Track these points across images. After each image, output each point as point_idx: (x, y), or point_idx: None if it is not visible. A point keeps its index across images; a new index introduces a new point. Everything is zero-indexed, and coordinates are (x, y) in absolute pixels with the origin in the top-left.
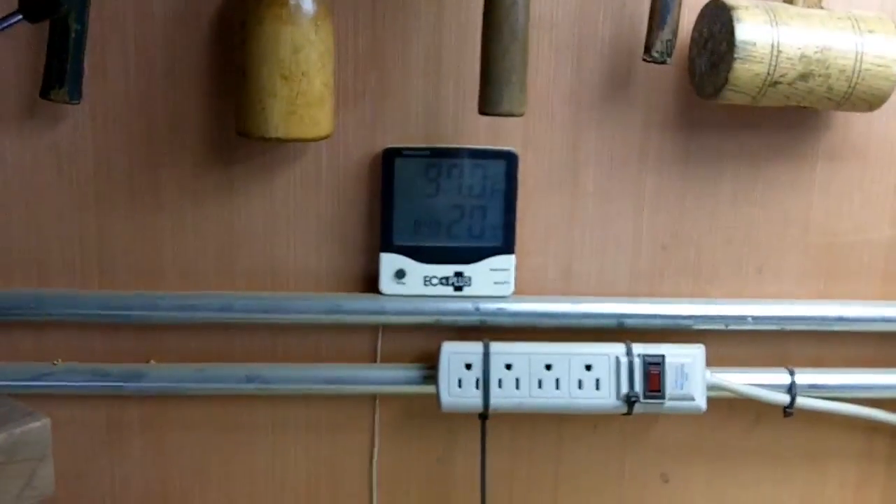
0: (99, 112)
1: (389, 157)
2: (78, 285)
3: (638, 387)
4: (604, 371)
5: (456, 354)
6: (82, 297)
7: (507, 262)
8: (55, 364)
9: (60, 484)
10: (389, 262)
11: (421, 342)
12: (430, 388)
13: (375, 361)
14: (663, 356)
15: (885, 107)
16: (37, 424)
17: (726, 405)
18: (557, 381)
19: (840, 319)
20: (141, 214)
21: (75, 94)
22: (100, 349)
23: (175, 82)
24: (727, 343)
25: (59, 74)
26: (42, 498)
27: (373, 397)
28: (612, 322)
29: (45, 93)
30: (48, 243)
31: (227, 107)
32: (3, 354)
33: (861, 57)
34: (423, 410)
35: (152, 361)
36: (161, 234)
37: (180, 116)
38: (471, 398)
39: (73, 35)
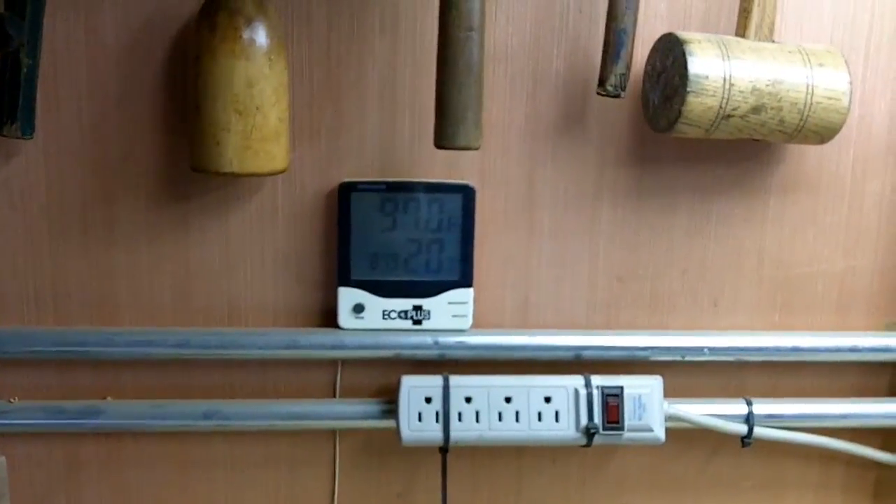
0: (52, 147)
1: (345, 192)
2: (33, 322)
3: (597, 418)
4: (563, 403)
5: (415, 388)
6: (37, 334)
7: (465, 295)
8: (11, 402)
9: None
10: (347, 296)
11: (380, 376)
12: (389, 423)
13: (335, 396)
14: (622, 388)
15: (836, 139)
16: None
17: (684, 436)
18: (517, 413)
19: (795, 350)
20: (95, 250)
21: (28, 130)
22: (56, 386)
23: (128, 117)
24: (684, 374)
25: (11, 110)
26: None
27: (332, 432)
28: (570, 354)
29: None
30: (1, 280)
31: (182, 141)
32: None
33: (812, 90)
34: (384, 445)
35: (109, 398)
36: (116, 270)
37: (134, 151)
38: (431, 432)
39: (24, 70)
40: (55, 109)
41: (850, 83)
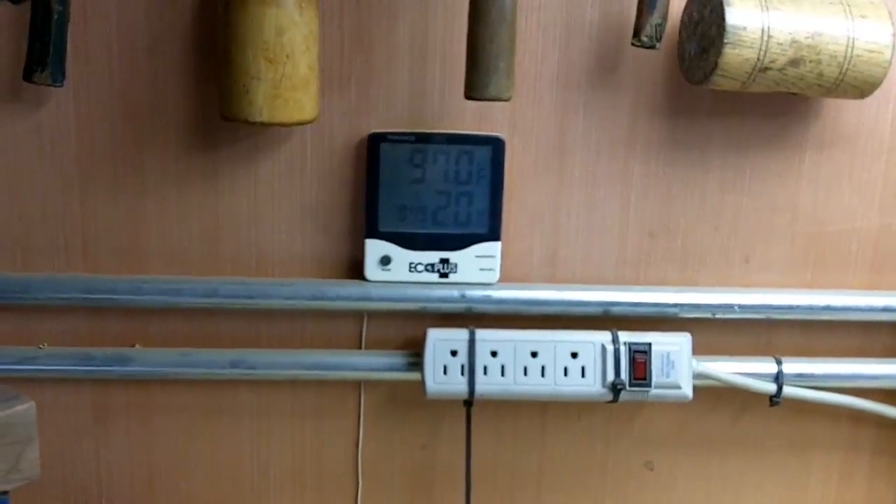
0: (82, 94)
1: (375, 143)
2: (62, 269)
3: (624, 374)
4: (589, 359)
5: (441, 341)
6: (67, 281)
7: (492, 248)
8: (40, 348)
9: (46, 467)
10: (375, 248)
11: (406, 329)
12: (415, 375)
13: (360, 348)
14: (650, 344)
15: (875, 94)
16: (22, 407)
17: (712, 394)
18: (543, 368)
19: (827, 309)
20: (125, 198)
21: (58, 77)
22: (85, 333)
23: (158, 64)
24: (714, 332)
25: (42, 56)
26: (28, 480)
27: (358, 384)
28: (598, 310)
29: (27, 75)
30: (32, 227)
31: (211, 90)
32: None
33: (853, 43)
34: (408, 397)
35: (137, 346)
36: (145, 218)
37: (164, 99)
38: (456, 385)
39: (55, 16)
40: (85, 56)
41: (894, 36)
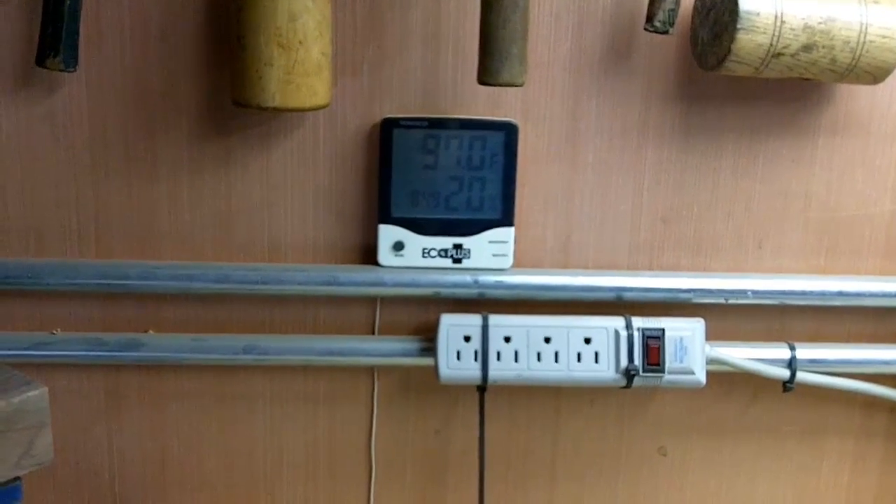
0: (94, 80)
1: (387, 128)
2: (75, 254)
3: (637, 360)
4: (603, 344)
5: (454, 327)
6: (80, 267)
7: (506, 234)
8: (53, 333)
9: (59, 452)
10: (388, 233)
11: (419, 314)
12: (428, 361)
13: (374, 333)
14: (663, 330)
15: (889, 80)
16: (35, 393)
17: (725, 380)
18: (556, 353)
19: (840, 294)
20: (137, 183)
21: (71, 62)
22: (98, 318)
23: (171, 50)
24: (727, 317)
25: (55, 42)
26: (40, 466)
27: (371, 369)
28: (611, 295)
29: (40, 61)
30: (45, 212)
31: (224, 75)
32: (0, 324)
33: (866, 28)
34: (422, 382)
35: (150, 331)
36: (158, 204)
37: (176, 85)
38: (469, 370)
39: (67, 1)
40: (98, 42)
41: None
